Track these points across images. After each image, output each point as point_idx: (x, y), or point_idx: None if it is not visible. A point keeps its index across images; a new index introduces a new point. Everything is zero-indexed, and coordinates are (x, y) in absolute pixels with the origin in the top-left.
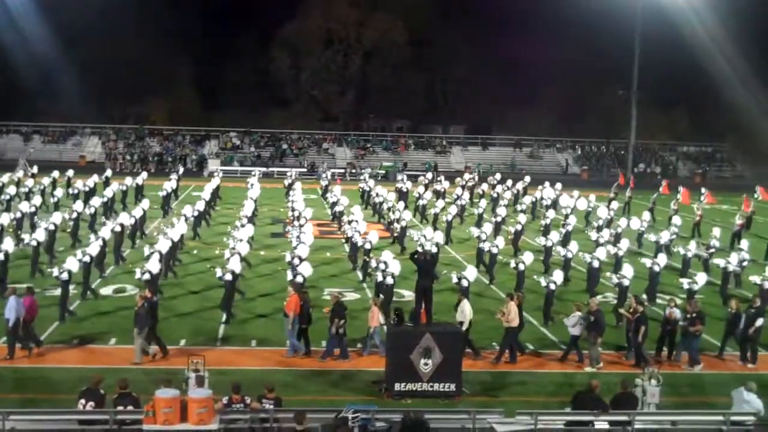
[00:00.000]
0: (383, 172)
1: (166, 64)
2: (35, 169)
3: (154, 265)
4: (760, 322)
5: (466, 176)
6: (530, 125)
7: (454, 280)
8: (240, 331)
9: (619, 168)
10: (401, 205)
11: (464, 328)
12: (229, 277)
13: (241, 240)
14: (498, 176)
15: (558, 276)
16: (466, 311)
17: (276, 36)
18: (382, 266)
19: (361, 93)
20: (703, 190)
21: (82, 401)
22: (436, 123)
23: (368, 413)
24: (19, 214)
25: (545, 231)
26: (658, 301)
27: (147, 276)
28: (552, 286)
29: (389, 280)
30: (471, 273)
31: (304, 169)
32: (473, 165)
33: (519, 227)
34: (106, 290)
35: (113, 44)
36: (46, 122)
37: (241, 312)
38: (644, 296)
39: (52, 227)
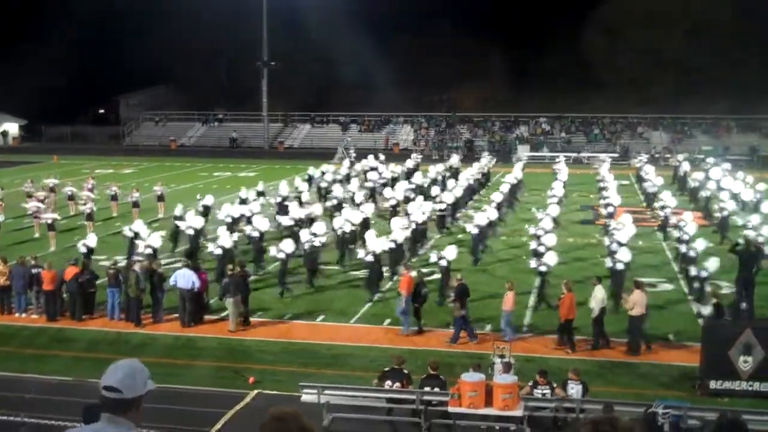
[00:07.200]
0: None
1: (478, 51)
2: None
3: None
4: None
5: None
6: None
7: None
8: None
9: None
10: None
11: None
12: (543, 268)
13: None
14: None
15: None
16: (598, 297)
17: (591, 17)
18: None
19: (682, 73)
20: None
21: (389, 382)
22: (766, 102)
23: (680, 410)
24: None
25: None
26: None
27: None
28: None
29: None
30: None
31: (616, 154)
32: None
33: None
34: None
35: (425, 33)
36: (362, 112)
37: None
38: None
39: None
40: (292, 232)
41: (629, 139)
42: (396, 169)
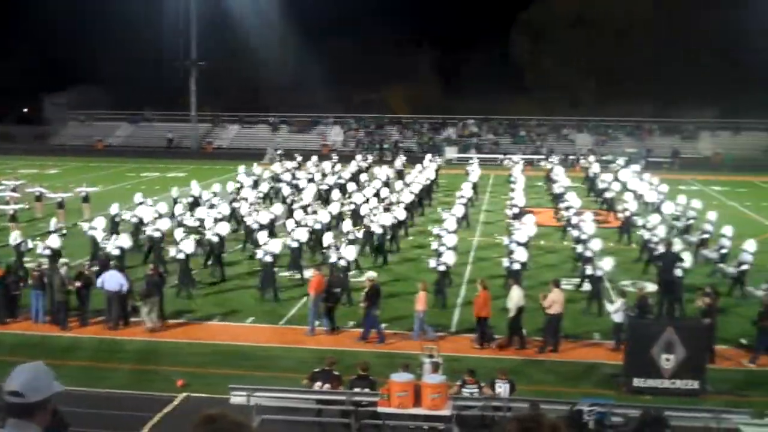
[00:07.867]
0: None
1: (408, 52)
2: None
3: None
4: None
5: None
6: None
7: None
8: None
9: None
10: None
11: (511, 315)
12: (442, 267)
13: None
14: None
15: None
16: (514, 297)
17: (518, 19)
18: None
19: (607, 76)
20: None
21: (319, 383)
22: (686, 107)
23: (605, 407)
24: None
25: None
26: None
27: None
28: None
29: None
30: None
31: (542, 156)
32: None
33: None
34: None
35: (355, 34)
36: (292, 113)
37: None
38: None
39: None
40: (197, 232)
41: (555, 141)
42: (312, 170)
